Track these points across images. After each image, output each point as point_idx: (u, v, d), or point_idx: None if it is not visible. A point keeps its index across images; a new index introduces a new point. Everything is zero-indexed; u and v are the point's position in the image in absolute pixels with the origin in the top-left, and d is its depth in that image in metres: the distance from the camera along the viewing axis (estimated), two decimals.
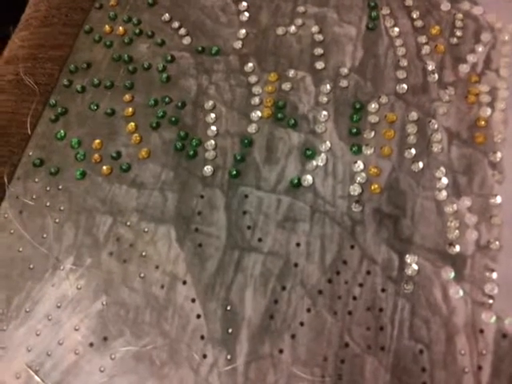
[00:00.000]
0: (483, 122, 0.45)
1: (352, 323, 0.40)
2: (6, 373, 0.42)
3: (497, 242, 0.40)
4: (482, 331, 0.38)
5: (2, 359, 0.42)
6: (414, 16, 0.52)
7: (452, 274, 0.40)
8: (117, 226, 0.46)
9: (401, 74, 0.48)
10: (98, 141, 0.50)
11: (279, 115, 0.48)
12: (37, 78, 0.55)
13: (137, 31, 0.56)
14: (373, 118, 0.46)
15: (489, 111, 0.45)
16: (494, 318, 0.38)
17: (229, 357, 0.40)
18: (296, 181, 0.44)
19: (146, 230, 0.45)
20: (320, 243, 0.42)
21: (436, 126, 0.45)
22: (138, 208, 0.46)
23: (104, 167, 0.49)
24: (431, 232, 0.42)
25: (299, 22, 0.53)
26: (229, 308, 0.41)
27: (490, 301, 0.39)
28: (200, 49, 0.53)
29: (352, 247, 0.42)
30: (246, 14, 0.54)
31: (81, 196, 0.48)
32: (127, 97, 0.52)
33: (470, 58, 0.48)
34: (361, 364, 0.38)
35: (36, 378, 0.42)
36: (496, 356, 0.37)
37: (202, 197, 0.46)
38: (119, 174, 0.48)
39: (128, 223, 0.46)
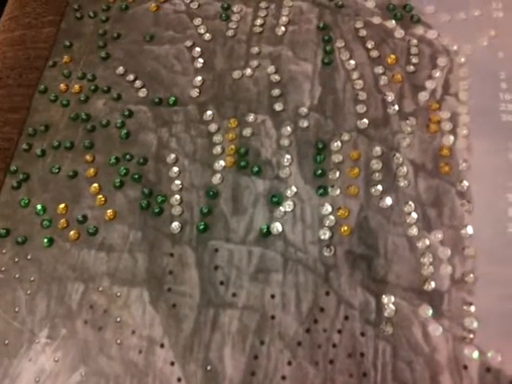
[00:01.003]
0: (447, 151, 0.46)
1: (334, 372, 0.40)
2: None
3: (471, 275, 0.41)
4: (465, 367, 0.39)
5: None
6: (369, 46, 0.53)
7: (430, 312, 0.41)
8: (89, 293, 0.46)
9: (361, 109, 0.49)
10: (62, 205, 0.51)
11: (242, 163, 0.48)
12: None
13: (92, 87, 0.56)
14: (336, 158, 0.47)
15: (451, 139, 0.46)
16: (476, 353, 0.39)
17: None
18: (265, 230, 0.45)
19: (118, 294, 0.46)
20: (295, 293, 0.43)
21: (401, 160, 0.46)
22: (108, 272, 0.47)
23: (71, 232, 0.49)
24: (405, 270, 0.42)
25: (254, 63, 0.54)
26: (209, 368, 0.42)
27: (471, 335, 0.40)
28: (157, 100, 0.54)
29: (327, 293, 0.42)
30: (201, 60, 0.55)
31: (50, 264, 0.48)
32: (88, 157, 0.52)
33: (429, 84, 0.49)
34: None
35: None
36: None
37: (171, 255, 0.46)
38: (87, 238, 0.49)
39: (100, 288, 0.46)
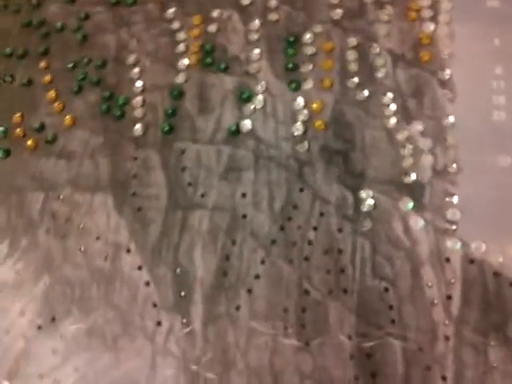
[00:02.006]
0: (427, 39, 0.42)
1: (310, 269, 0.37)
2: None
3: (454, 165, 0.38)
4: (447, 260, 0.36)
5: None
6: None
7: (411, 205, 0.37)
8: (50, 202, 0.42)
9: None
10: (18, 114, 0.46)
11: (208, 60, 0.44)
12: None
13: None
14: (309, 50, 0.43)
15: (432, 26, 0.42)
16: (459, 244, 0.36)
17: (184, 320, 0.37)
18: (234, 128, 0.41)
19: (80, 201, 0.42)
20: (267, 190, 0.39)
21: (378, 50, 0.42)
22: (69, 180, 0.43)
23: (28, 141, 0.45)
24: (384, 163, 0.39)
25: None
26: (178, 271, 0.38)
27: (454, 227, 0.37)
28: (115, 0, 0.48)
29: (301, 190, 0.39)
30: None
31: (8, 175, 0.44)
32: (43, 63, 0.48)
33: None
34: (324, 310, 0.36)
35: None
36: (465, 283, 0.35)
37: (135, 159, 0.42)
38: (45, 146, 0.45)
39: (61, 197, 0.42)
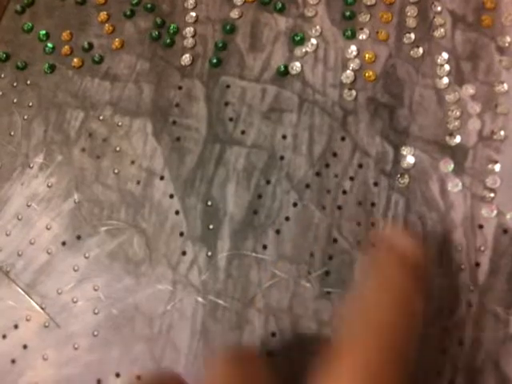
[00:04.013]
0: (491, 3, 0.39)
1: (341, 218, 0.35)
2: None
3: (501, 132, 0.36)
4: (481, 227, 0.34)
5: None
6: None
7: (451, 166, 0.35)
8: (89, 121, 0.41)
9: None
10: (67, 32, 0.45)
11: None
12: None
13: None
14: (369, 0, 0.40)
15: None
16: (494, 213, 0.34)
17: (209, 253, 0.36)
18: (283, 68, 0.39)
19: (120, 124, 0.40)
20: (308, 135, 0.37)
21: (439, 9, 0.39)
22: (111, 101, 0.41)
23: (75, 59, 0.43)
24: (430, 122, 0.37)
25: None
26: (209, 203, 0.37)
27: (492, 194, 0.35)
28: None
29: (343, 139, 0.37)
30: None
31: (50, 90, 0.43)
32: None
33: None
34: (350, 260, 0.34)
35: (7, 278, 0.37)
36: (495, 252, 0.34)
37: (180, 88, 0.40)
38: (91, 66, 0.43)
39: (101, 117, 0.41)
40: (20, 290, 0.38)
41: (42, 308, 0.37)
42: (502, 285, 0.33)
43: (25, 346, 0.37)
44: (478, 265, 0.34)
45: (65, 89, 0.43)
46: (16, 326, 0.37)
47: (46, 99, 0.43)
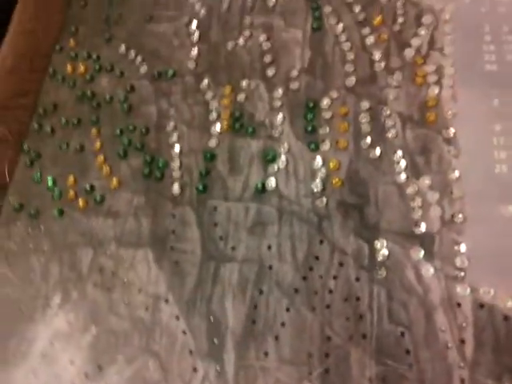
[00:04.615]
0: (433, 101, 0.44)
1: (331, 316, 0.39)
2: None
3: (460, 215, 0.39)
4: (459, 305, 0.37)
5: None
6: (356, 10, 0.51)
7: (421, 253, 0.39)
8: (98, 257, 0.45)
9: (349, 68, 0.47)
10: (71, 178, 0.50)
11: (237, 126, 0.47)
12: (9, 126, 0.55)
13: (97, 67, 0.56)
14: (326, 114, 0.45)
15: (437, 90, 0.44)
16: (468, 290, 0.37)
17: (218, 367, 0.39)
18: (260, 186, 0.44)
19: (125, 256, 0.45)
20: (290, 243, 0.41)
21: (388, 112, 0.44)
22: (115, 236, 0.46)
23: (80, 202, 0.49)
24: (396, 215, 0.41)
25: (247, 33, 0.52)
26: (212, 320, 0.41)
27: (462, 273, 0.38)
28: (157, 74, 0.53)
29: (321, 242, 0.41)
30: (197, 33, 0.54)
31: (61, 233, 0.47)
32: (94, 131, 0.52)
33: (414, 41, 0.48)
34: (345, 355, 0.37)
35: None
36: (476, 327, 0.36)
37: (173, 216, 0.45)
38: (94, 206, 0.48)
39: (108, 252, 0.45)
40: None
41: None
42: (489, 357, 0.36)
43: None
44: (463, 341, 0.36)
45: (74, 230, 0.48)
46: None
47: (59, 242, 0.47)
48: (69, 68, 0.56)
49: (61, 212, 0.48)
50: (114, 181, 0.48)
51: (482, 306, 0.37)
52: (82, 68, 0.56)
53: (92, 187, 0.49)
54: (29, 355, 0.44)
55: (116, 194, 0.48)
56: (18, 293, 0.46)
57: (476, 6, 0.48)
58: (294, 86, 0.48)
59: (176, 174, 0.47)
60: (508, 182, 0.39)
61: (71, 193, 0.49)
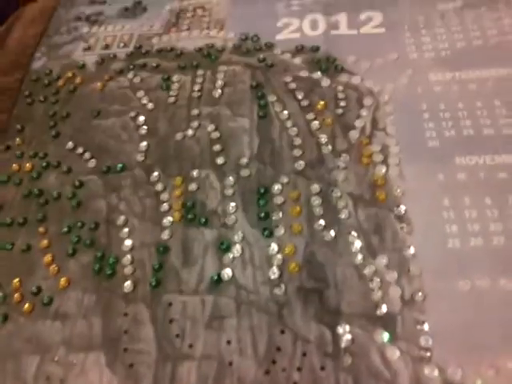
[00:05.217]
0: (381, 180, 0.44)
1: None
2: None
3: (420, 293, 0.39)
4: None
5: None
6: (300, 97, 0.53)
7: (386, 336, 0.38)
8: (45, 364, 0.42)
9: (297, 152, 0.48)
10: (16, 280, 0.47)
11: (190, 216, 0.46)
12: None
13: (44, 164, 0.55)
14: (278, 200, 0.45)
15: (384, 168, 0.45)
16: (436, 371, 0.36)
17: None
18: (216, 277, 0.42)
19: (75, 361, 0.42)
20: (250, 336, 0.40)
21: (339, 194, 0.45)
22: (64, 341, 0.43)
23: (26, 305, 0.46)
24: (356, 297, 0.40)
25: (195, 124, 0.53)
26: None
27: (428, 354, 0.37)
28: (105, 169, 0.52)
29: (283, 332, 0.39)
30: (145, 127, 0.54)
31: (5, 341, 0.44)
32: (41, 229, 0.50)
33: (358, 123, 0.49)
34: None
35: None
36: None
37: (126, 315, 0.43)
38: (42, 308, 0.45)
39: (56, 358, 0.42)
40: None
41: None
42: None
43: None
44: None
45: (19, 336, 0.44)
46: None
47: (2, 350, 0.44)
48: (15, 167, 0.55)
49: (4, 317, 0.45)
50: (63, 280, 0.46)
51: None
52: (28, 166, 0.55)
53: (39, 289, 0.46)
54: None
55: (65, 295, 0.45)
56: None
57: (413, 87, 0.50)
58: (245, 173, 0.48)
59: (128, 269, 0.45)
60: (461, 257, 0.40)
61: (16, 295, 0.46)
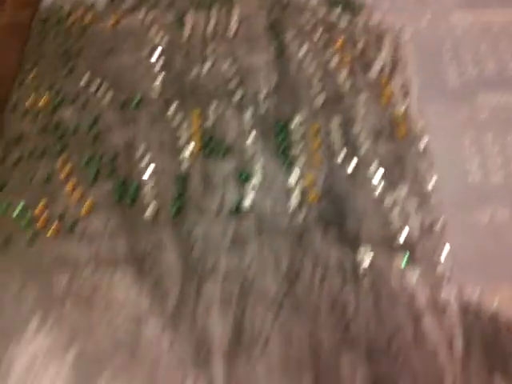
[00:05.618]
0: (401, 117, 0.45)
1: (319, 325, 0.38)
2: None
3: (439, 223, 0.40)
4: (444, 308, 0.37)
5: None
6: (318, 34, 0.52)
7: (404, 261, 0.39)
8: (74, 280, 0.43)
9: (316, 89, 0.49)
10: (40, 206, 0.48)
11: (208, 149, 0.47)
12: None
13: (59, 99, 0.55)
14: (297, 133, 0.46)
15: (404, 106, 0.45)
16: (453, 294, 0.37)
17: (207, 379, 0.37)
18: (236, 205, 0.43)
19: (102, 276, 0.43)
20: (272, 257, 0.41)
21: (359, 128, 0.45)
22: (91, 259, 0.44)
23: (52, 228, 0.46)
24: (376, 226, 0.41)
25: (210, 60, 0.53)
26: (197, 334, 0.39)
27: (446, 278, 0.38)
28: (122, 103, 0.52)
29: (304, 255, 0.40)
30: (161, 62, 0.54)
31: (34, 260, 0.45)
32: (61, 160, 0.50)
33: (377, 61, 0.49)
34: (335, 360, 0.37)
35: None
36: (464, 329, 0.36)
37: (149, 239, 0.44)
38: (66, 232, 0.46)
39: (84, 275, 0.43)
40: None
41: None
42: (478, 357, 0.36)
43: None
44: (451, 343, 0.36)
45: (46, 256, 0.45)
46: None
47: (31, 269, 0.45)
48: (30, 101, 0.55)
49: (31, 240, 0.46)
50: (86, 206, 0.47)
51: (467, 308, 0.37)
52: (43, 100, 0.55)
53: (62, 214, 0.47)
54: (7, 380, 0.40)
55: (88, 219, 0.46)
56: None
57: (434, 27, 0.50)
58: (263, 108, 0.48)
59: (149, 197, 0.46)
60: (481, 191, 0.41)
61: (41, 220, 0.47)
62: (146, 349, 0.39)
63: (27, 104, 0.55)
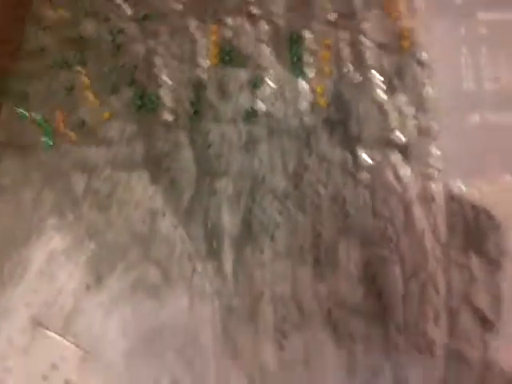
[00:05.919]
0: (407, 31, 0.49)
1: (321, 215, 0.43)
2: (11, 329, 0.43)
3: (434, 125, 0.45)
4: (433, 199, 0.42)
5: (6, 318, 0.43)
6: None
7: (400, 158, 0.44)
8: (92, 181, 0.49)
9: (329, 3, 0.52)
10: (61, 114, 0.52)
11: (226, 59, 0.51)
12: None
13: (81, 12, 0.58)
14: (310, 45, 0.52)
15: (411, 21, 0.50)
16: (441, 186, 0.42)
17: (216, 265, 0.42)
18: (250, 110, 0.48)
19: (120, 178, 0.48)
20: (281, 156, 0.46)
21: (367, 42, 0.49)
22: (109, 161, 0.50)
23: (71, 134, 0.50)
24: (376, 127, 0.47)
25: None
26: (209, 226, 0.44)
27: (436, 172, 0.43)
28: (143, 16, 0.56)
29: (310, 154, 0.45)
30: None
31: (53, 163, 0.52)
32: (81, 70, 0.54)
33: None
34: (334, 246, 0.42)
35: (40, 328, 0.43)
36: (448, 215, 0.42)
37: (167, 140, 0.49)
38: (86, 137, 0.51)
39: (102, 176, 0.48)
40: (54, 335, 0.43)
41: (77, 346, 0.42)
42: (460, 239, 0.43)
43: (67, 382, 0.41)
44: (437, 228, 0.42)
45: (66, 159, 0.52)
46: (55, 367, 0.42)
47: (51, 171, 0.51)
48: (52, 14, 0.58)
49: (51, 144, 0.51)
50: (106, 114, 0.51)
51: (452, 198, 0.42)
52: (65, 14, 0.58)
53: (83, 121, 0.51)
54: (26, 275, 0.46)
55: (107, 125, 0.51)
56: (11, 221, 0.48)
57: None
58: (278, 21, 0.52)
59: (168, 103, 0.51)
60: (475, 97, 0.45)
61: (61, 126, 0.51)
62: (160, 243, 0.45)
63: (49, 18, 0.58)
